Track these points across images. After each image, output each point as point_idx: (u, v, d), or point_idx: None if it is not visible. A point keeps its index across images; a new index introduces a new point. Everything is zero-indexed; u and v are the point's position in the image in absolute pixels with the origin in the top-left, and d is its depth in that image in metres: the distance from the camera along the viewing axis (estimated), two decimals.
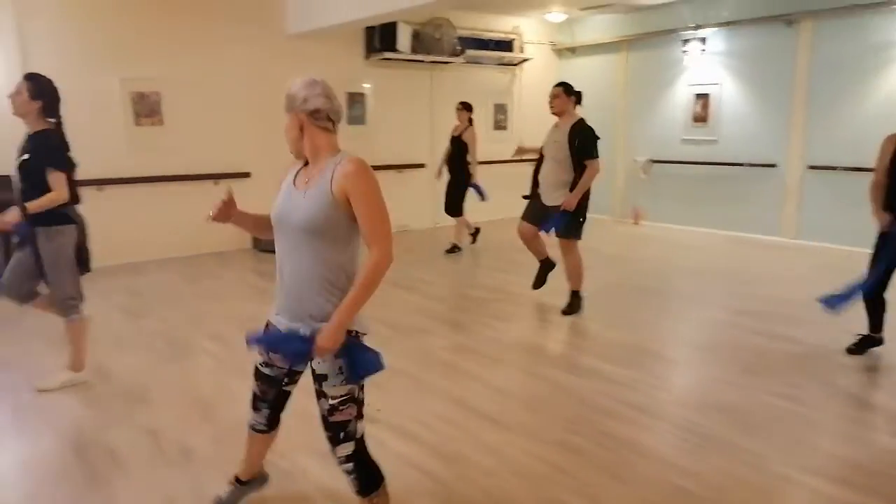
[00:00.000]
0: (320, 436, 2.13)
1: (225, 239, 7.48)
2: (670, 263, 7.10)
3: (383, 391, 3.66)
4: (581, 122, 4.97)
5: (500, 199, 7.98)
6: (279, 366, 2.21)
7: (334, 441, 2.07)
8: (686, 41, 8.63)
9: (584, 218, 5.05)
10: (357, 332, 2.06)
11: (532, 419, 3.35)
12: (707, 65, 8.53)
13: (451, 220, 7.75)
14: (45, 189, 3.39)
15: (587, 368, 4.07)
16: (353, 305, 1.96)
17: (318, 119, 2.02)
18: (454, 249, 7.52)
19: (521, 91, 10.04)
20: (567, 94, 4.99)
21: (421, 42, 8.59)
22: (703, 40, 8.47)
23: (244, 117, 7.50)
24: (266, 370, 2.24)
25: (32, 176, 3.41)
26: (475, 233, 7.79)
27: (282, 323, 2.11)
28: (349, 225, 1.99)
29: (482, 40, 9.43)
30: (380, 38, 8.30)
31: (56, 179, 3.40)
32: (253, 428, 2.39)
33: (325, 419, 2.07)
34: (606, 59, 9.78)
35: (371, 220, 1.95)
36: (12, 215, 3.51)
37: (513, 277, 6.36)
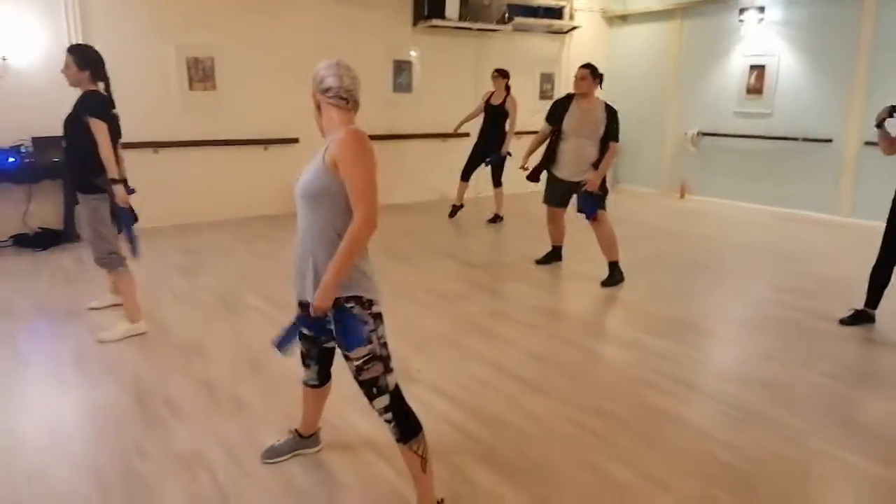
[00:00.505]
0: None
1: (276, 203, 7.66)
2: (717, 239, 7.00)
3: (424, 353, 3.78)
4: (609, 104, 5.18)
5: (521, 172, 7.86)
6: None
7: (369, 396, 2.21)
8: (743, 10, 8.33)
9: (607, 190, 5.25)
10: (363, 297, 2.16)
11: (569, 385, 3.41)
12: (764, 35, 8.25)
13: (489, 190, 7.74)
14: (83, 145, 3.60)
15: (627, 339, 4.10)
16: (335, 268, 2.06)
17: (330, 97, 2.14)
18: (496, 219, 7.54)
19: (569, 60, 9.87)
20: (594, 76, 5.14)
21: (469, 9, 8.51)
22: (761, 9, 8.17)
23: (293, 84, 7.57)
24: (304, 330, 2.37)
25: (73, 131, 3.64)
26: (459, 208, 7.70)
27: (300, 291, 2.27)
28: (340, 192, 2.08)
29: (531, 7, 9.28)
30: (428, 5, 8.26)
31: (97, 127, 3.59)
32: (306, 384, 2.57)
33: (355, 379, 2.21)
34: (659, 28, 9.53)
35: (354, 185, 2.03)
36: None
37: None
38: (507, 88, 7.29)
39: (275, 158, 7.57)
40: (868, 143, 7.40)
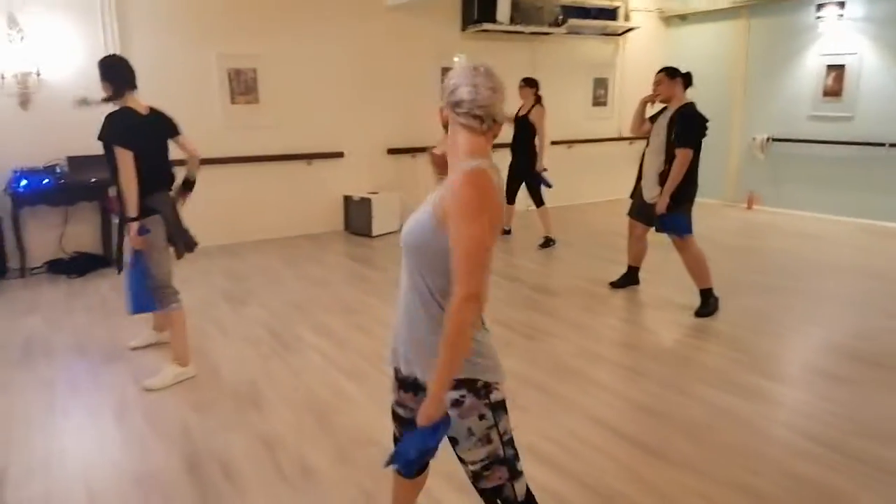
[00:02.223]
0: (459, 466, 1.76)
1: (318, 221, 7.25)
2: (799, 255, 6.36)
3: (512, 404, 3.26)
4: (688, 105, 4.53)
5: (600, 181, 7.36)
6: (411, 406, 1.80)
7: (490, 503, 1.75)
8: (821, 6, 7.70)
9: (690, 208, 4.56)
10: (478, 381, 1.68)
11: (694, 450, 2.87)
12: (844, 32, 7.60)
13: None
14: (116, 168, 3.27)
15: (744, 386, 3.52)
16: (441, 372, 1.57)
17: (461, 113, 1.62)
18: (548, 243, 6.80)
19: (624, 64, 9.32)
20: (671, 77, 4.55)
21: (521, 12, 8.02)
22: (841, 4, 7.53)
23: (338, 95, 7.19)
24: (400, 410, 1.88)
25: (108, 154, 3.30)
26: (506, 232, 7.09)
27: (398, 361, 1.81)
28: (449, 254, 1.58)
29: (584, 8, 8.75)
30: (478, 9, 7.79)
31: (121, 157, 3.24)
32: (397, 471, 2.01)
33: (473, 486, 1.76)
34: (722, 27, 8.91)
35: (457, 249, 1.52)
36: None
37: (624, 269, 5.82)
38: (537, 98, 6.63)
39: (319, 174, 7.15)
40: None
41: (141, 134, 3.32)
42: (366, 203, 7.20)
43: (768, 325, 4.43)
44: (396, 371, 1.83)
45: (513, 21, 7.94)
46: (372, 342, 4.10)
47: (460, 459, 1.74)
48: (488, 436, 1.68)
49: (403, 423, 1.86)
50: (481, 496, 1.76)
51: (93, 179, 5.50)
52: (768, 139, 8.48)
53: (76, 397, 3.43)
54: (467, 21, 7.90)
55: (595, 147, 9.19)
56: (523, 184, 6.77)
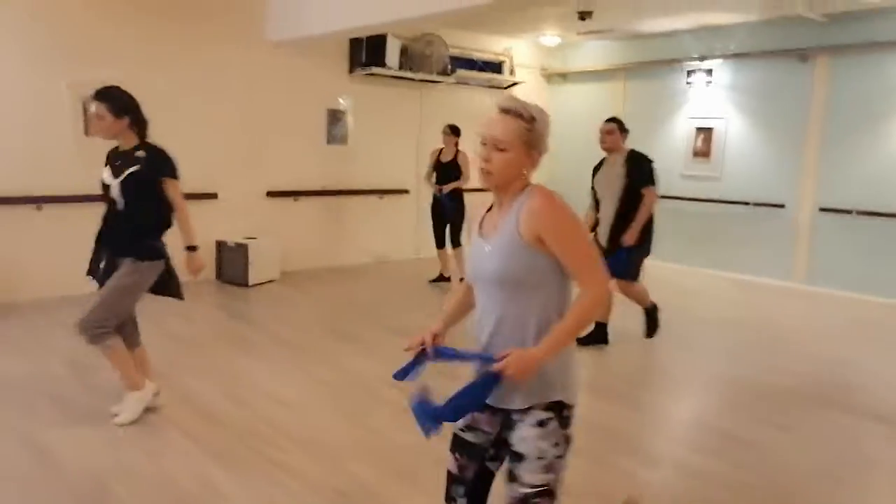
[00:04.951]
0: None
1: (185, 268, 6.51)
2: (678, 309, 6.50)
3: (408, 484, 2.84)
4: (634, 151, 4.76)
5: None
6: (486, 430, 1.80)
7: None
8: (691, 72, 8.20)
9: (646, 254, 4.79)
10: (566, 404, 1.73)
11: None
12: (712, 98, 8.12)
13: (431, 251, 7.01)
14: (149, 206, 3.26)
15: (668, 459, 3.34)
16: (560, 339, 1.65)
17: (539, 155, 1.75)
18: (440, 279, 7.01)
19: None
20: (621, 130, 4.78)
21: (410, 58, 7.88)
22: (708, 72, 8.06)
23: (213, 131, 6.60)
24: (468, 435, 1.82)
25: (141, 192, 3.24)
26: (445, 279, 7.03)
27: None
28: (552, 267, 1.69)
29: (472, 60, 8.80)
30: (366, 52, 7.56)
31: (177, 189, 3.33)
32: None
33: None
34: (601, 87, 9.29)
35: (576, 258, 1.67)
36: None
37: None
38: (457, 146, 6.84)
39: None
40: (823, 210, 7.29)
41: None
42: (241, 249, 6.57)
43: (671, 389, 4.36)
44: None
45: (402, 67, 7.78)
46: (249, 417, 3.53)
47: (513, 478, 1.71)
48: (553, 465, 1.69)
49: (470, 453, 1.81)
50: None
51: None
52: None
53: None
54: (355, 63, 7.64)
55: (481, 197, 9.12)
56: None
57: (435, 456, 3.07)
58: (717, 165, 8.15)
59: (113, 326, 3.26)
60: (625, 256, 4.59)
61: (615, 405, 3.96)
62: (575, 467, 1.88)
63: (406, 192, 8.36)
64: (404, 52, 7.80)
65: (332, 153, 7.63)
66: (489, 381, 1.64)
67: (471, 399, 1.69)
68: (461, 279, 6.19)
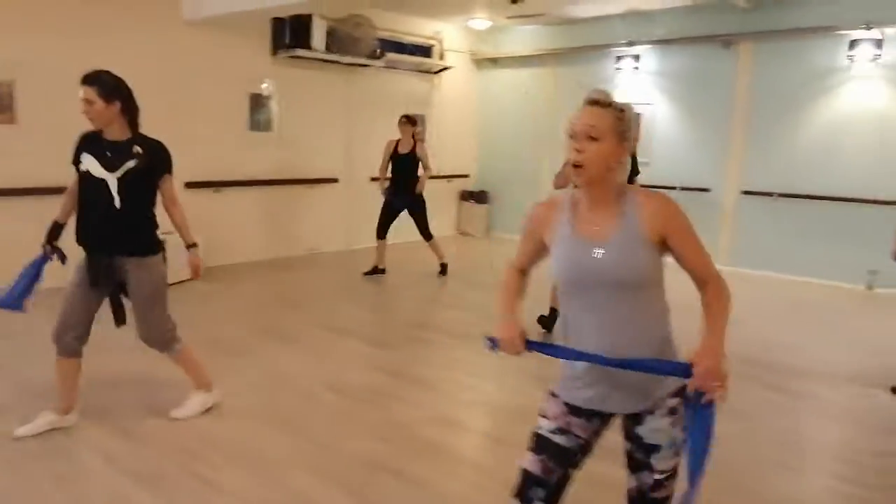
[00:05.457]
0: None
1: (55, 272, 5.99)
2: None
3: (354, 496, 2.64)
4: None
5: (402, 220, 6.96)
6: (578, 434, 1.76)
7: None
8: (619, 58, 8.25)
9: None
10: (683, 384, 1.73)
11: None
12: (640, 84, 8.20)
13: (372, 242, 6.78)
14: (144, 201, 3.10)
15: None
16: (724, 327, 1.67)
17: (631, 146, 1.75)
18: (444, 270, 6.89)
19: (441, 102, 9.24)
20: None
21: (337, 40, 7.54)
22: (636, 58, 8.13)
23: None
24: (559, 438, 1.75)
25: (139, 187, 3.06)
26: (380, 271, 6.79)
27: (598, 400, 1.75)
28: (661, 265, 1.73)
29: (401, 44, 8.55)
30: (290, 34, 7.17)
31: (171, 185, 3.21)
32: None
33: (643, 495, 1.77)
34: (531, 73, 9.22)
35: (699, 254, 1.71)
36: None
37: (462, 314, 5.50)
38: (415, 136, 6.70)
39: None
40: (746, 193, 7.50)
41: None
42: None
43: None
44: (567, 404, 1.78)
45: (328, 49, 7.43)
46: (174, 430, 3.21)
47: (644, 467, 1.74)
48: (680, 449, 1.73)
49: (559, 457, 1.74)
50: None
51: None
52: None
53: None
54: (278, 45, 7.23)
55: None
56: (397, 218, 6.72)
57: (381, 464, 2.89)
58: (644, 151, 8.22)
59: (175, 327, 3.26)
60: None
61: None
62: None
63: (335, 181, 8.05)
64: (331, 33, 7.45)
65: (256, 141, 7.22)
66: (701, 408, 1.61)
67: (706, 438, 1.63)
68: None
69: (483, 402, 3.80)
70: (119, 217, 3.00)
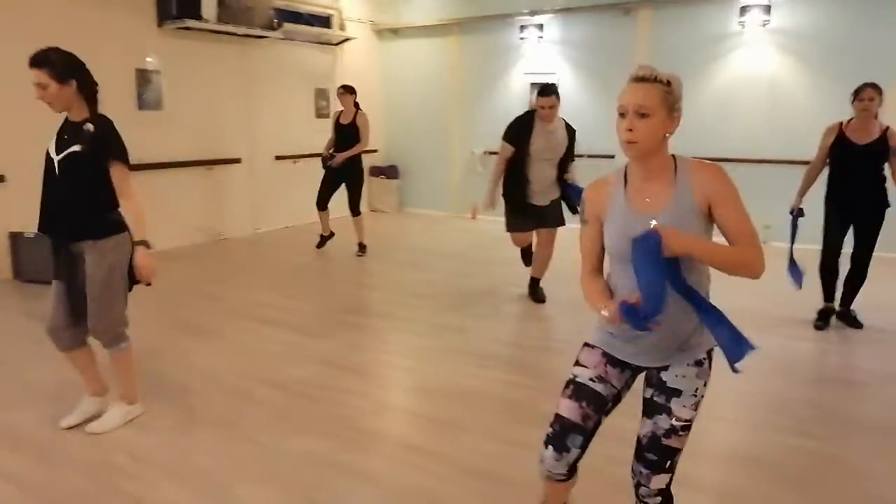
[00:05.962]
0: None
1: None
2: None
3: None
4: (568, 122, 5.01)
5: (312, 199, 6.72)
6: (614, 384, 1.85)
7: (656, 467, 1.83)
8: (523, 27, 8.23)
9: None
10: (711, 351, 1.82)
11: None
12: (544, 53, 8.24)
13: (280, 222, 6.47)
14: (96, 181, 2.80)
15: None
16: (711, 250, 1.67)
17: (678, 115, 1.75)
18: (362, 249, 6.75)
19: (343, 75, 8.87)
20: (558, 99, 4.86)
21: (229, 10, 7.03)
22: (540, 27, 8.15)
23: None
24: (598, 386, 1.83)
25: (84, 170, 2.80)
26: (328, 237, 6.78)
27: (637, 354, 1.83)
28: (711, 234, 1.76)
29: (298, 13, 8.12)
30: (177, 2, 6.60)
31: (123, 176, 2.85)
32: (550, 477, 1.87)
33: (655, 440, 1.82)
34: (434, 43, 9.05)
35: (746, 224, 1.70)
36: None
37: (387, 295, 5.36)
38: (356, 105, 6.54)
39: None
40: None
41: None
42: (42, 240, 5.44)
43: (550, 342, 4.34)
44: (605, 354, 1.85)
45: (220, 20, 6.92)
46: (95, 447, 2.89)
47: (663, 410, 1.79)
48: (698, 404, 1.81)
49: (597, 404, 1.81)
50: (652, 452, 1.81)
51: None
52: (485, 153, 8.84)
53: None
54: (164, 15, 6.65)
55: (316, 162, 8.58)
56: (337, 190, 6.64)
57: (329, 461, 2.72)
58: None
59: (127, 323, 3.01)
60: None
61: (517, 374, 3.84)
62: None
63: (238, 161, 7.59)
64: (222, 3, 6.94)
65: (145, 120, 6.64)
66: (651, 245, 1.60)
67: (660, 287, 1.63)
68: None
69: (423, 385, 3.69)
70: (66, 201, 2.82)
